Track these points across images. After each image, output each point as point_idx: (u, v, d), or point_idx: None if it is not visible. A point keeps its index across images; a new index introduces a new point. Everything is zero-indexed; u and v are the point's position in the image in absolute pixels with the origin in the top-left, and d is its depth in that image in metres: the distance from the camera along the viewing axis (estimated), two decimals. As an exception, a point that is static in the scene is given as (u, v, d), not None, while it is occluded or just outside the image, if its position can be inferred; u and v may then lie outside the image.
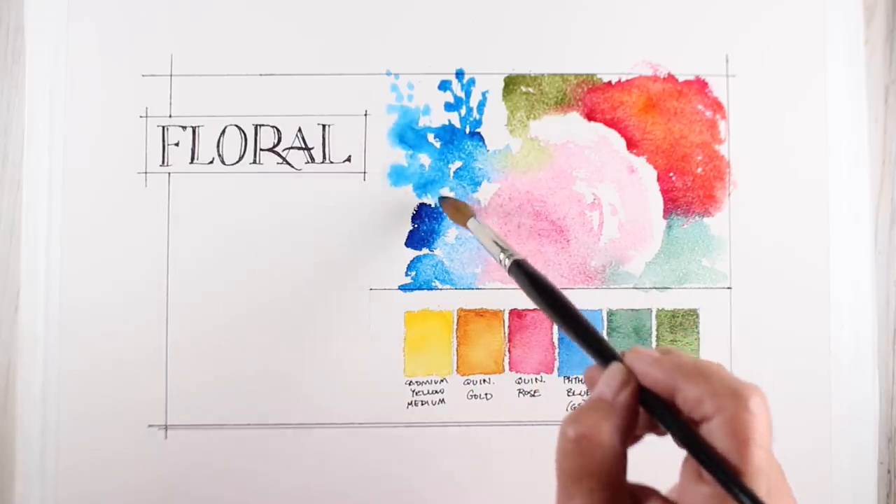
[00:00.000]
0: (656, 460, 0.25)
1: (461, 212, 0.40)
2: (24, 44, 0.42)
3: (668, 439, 0.25)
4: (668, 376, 0.25)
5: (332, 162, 0.42)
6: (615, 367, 0.26)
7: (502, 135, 0.42)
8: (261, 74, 0.42)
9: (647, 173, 0.43)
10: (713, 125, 0.43)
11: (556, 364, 0.42)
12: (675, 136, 0.43)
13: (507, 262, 0.33)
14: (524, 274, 0.32)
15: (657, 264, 0.42)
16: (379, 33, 0.42)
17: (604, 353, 0.27)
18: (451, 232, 0.42)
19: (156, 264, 0.41)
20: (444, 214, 0.42)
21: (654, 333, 0.42)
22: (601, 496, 0.24)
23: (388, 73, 0.42)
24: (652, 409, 0.25)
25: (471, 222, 0.38)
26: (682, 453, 0.25)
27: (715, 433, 0.23)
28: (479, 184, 0.42)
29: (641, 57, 0.43)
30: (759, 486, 0.22)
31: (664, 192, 0.43)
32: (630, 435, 0.25)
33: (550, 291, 0.30)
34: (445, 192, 0.42)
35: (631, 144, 0.43)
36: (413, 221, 0.42)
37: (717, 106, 0.43)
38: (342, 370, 0.41)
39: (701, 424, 0.24)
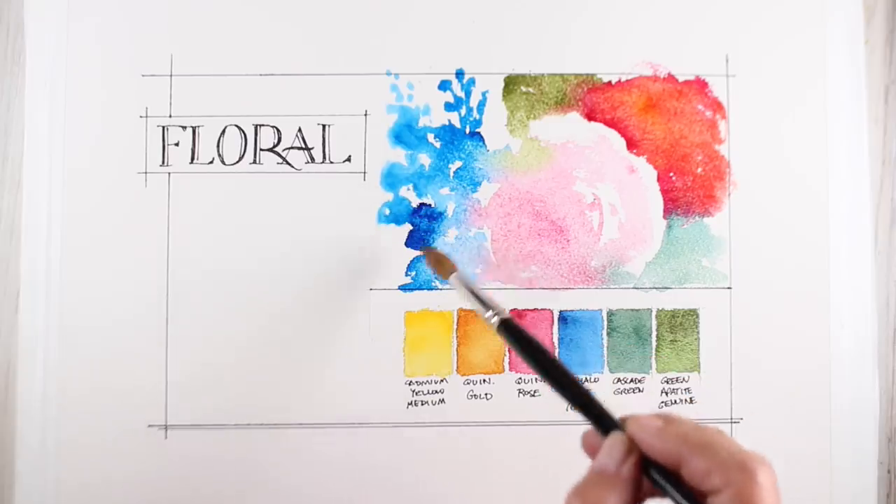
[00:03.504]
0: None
1: (444, 266, 0.39)
2: (24, 44, 0.42)
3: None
4: (672, 447, 0.24)
5: (332, 162, 0.42)
6: (617, 438, 0.25)
7: (502, 135, 0.42)
8: (261, 74, 0.42)
9: (647, 173, 0.43)
10: (713, 125, 0.43)
11: (556, 364, 0.42)
12: (675, 136, 0.43)
13: (495, 322, 0.32)
14: (513, 335, 0.31)
15: (657, 264, 0.42)
16: (379, 33, 0.42)
17: (603, 421, 0.27)
18: (451, 232, 0.42)
19: (156, 264, 0.41)
20: (444, 215, 0.42)
21: (654, 333, 0.42)
22: None
23: (388, 73, 0.42)
24: (656, 481, 0.25)
25: (453, 278, 0.37)
26: None
27: None
28: (479, 184, 0.42)
29: (641, 57, 0.43)
30: None
31: (664, 192, 0.43)
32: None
33: (543, 353, 0.30)
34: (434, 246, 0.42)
35: (631, 144, 0.43)
36: (413, 221, 0.42)
37: (717, 106, 0.43)
38: (342, 370, 0.41)
39: (708, 497, 0.23)
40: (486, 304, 0.34)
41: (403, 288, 0.42)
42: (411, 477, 0.41)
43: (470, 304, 0.35)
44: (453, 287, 0.38)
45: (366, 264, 0.42)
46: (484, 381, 0.42)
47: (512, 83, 0.43)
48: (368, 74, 0.42)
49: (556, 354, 0.42)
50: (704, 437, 0.24)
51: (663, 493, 0.25)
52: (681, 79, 0.43)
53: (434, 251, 0.41)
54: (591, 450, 0.27)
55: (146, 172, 0.42)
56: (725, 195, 0.43)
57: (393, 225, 0.42)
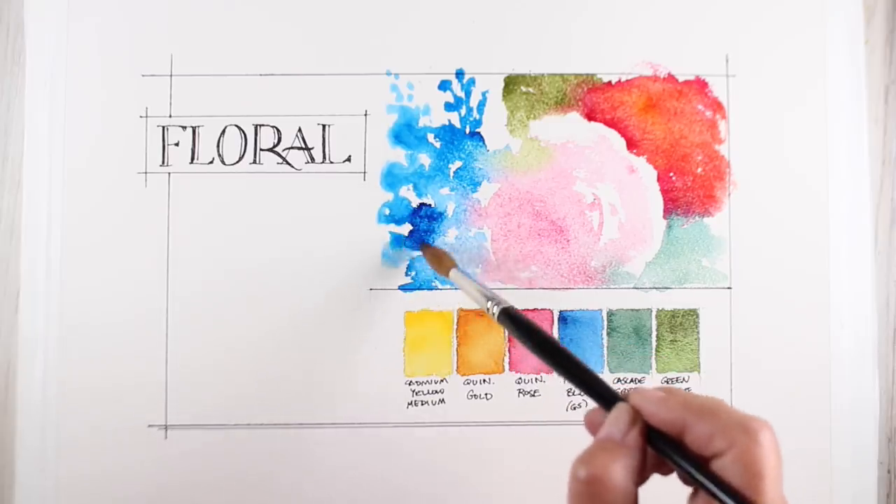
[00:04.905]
0: (657, 498, 0.26)
1: (442, 262, 0.39)
2: (24, 44, 0.42)
3: (672, 478, 0.25)
4: (676, 415, 0.25)
5: (332, 162, 0.42)
6: (622, 407, 0.26)
7: (502, 135, 0.42)
8: (261, 74, 0.42)
9: (647, 173, 0.43)
10: (713, 125, 0.43)
11: (556, 364, 0.42)
12: (675, 136, 0.43)
13: (495, 311, 0.33)
14: (514, 322, 0.31)
15: (657, 264, 0.42)
16: (379, 33, 0.42)
17: (606, 395, 0.27)
18: (451, 232, 0.42)
19: (156, 264, 0.41)
20: (444, 215, 0.42)
21: (654, 333, 0.42)
22: None
23: (388, 73, 0.42)
24: (661, 449, 0.25)
25: (453, 273, 0.38)
26: (683, 490, 0.25)
27: (728, 468, 0.23)
28: (479, 184, 0.42)
29: (641, 57, 0.43)
30: None
31: (664, 192, 0.43)
32: (640, 475, 0.25)
33: (544, 338, 0.30)
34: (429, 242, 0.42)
35: (631, 144, 0.43)
36: (413, 221, 0.42)
37: (717, 106, 0.43)
38: (342, 370, 0.41)
39: (712, 461, 0.24)
40: (486, 296, 0.34)
41: (403, 288, 0.42)
42: (411, 477, 0.41)
43: (470, 297, 0.36)
44: (454, 282, 0.38)
45: (366, 264, 0.42)
46: (484, 381, 0.42)
47: (512, 83, 0.43)
48: (368, 74, 0.42)
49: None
50: (706, 404, 0.25)
51: (669, 462, 0.25)
52: (681, 79, 0.43)
53: (431, 248, 0.41)
54: (594, 427, 0.27)
55: (146, 172, 0.42)
56: (725, 195, 0.43)
57: (393, 225, 0.42)
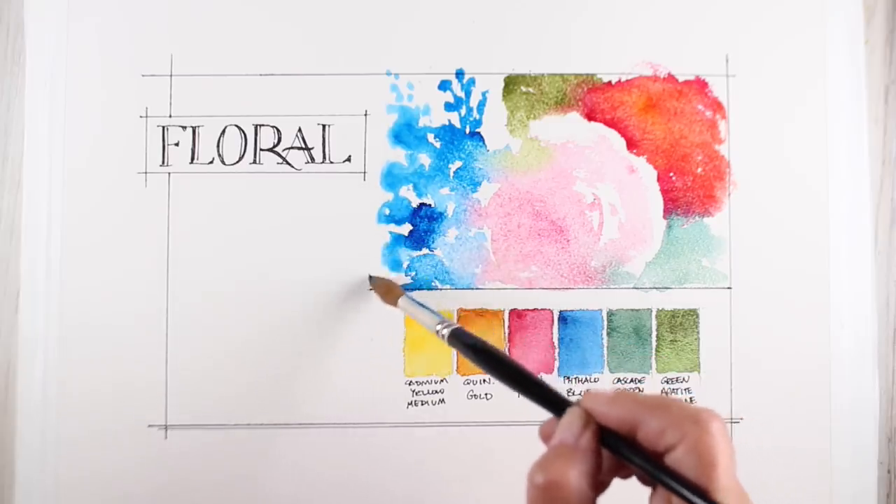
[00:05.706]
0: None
1: (390, 292, 0.40)
2: (24, 44, 0.42)
3: (633, 484, 0.26)
4: (627, 413, 0.25)
5: (332, 162, 0.42)
6: (574, 412, 0.26)
7: (502, 135, 0.42)
8: (261, 74, 0.42)
9: (647, 173, 0.43)
10: (713, 125, 0.43)
11: (556, 364, 0.42)
12: (675, 136, 0.43)
13: (445, 333, 0.33)
14: (462, 342, 0.32)
15: (657, 264, 0.42)
16: (379, 33, 0.42)
17: (557, 403, 0.27)
18: (451, 232, 0.42)
19: (156, 264, 0.41)
20: (444, 215, 0.42)
21: (654, 333, 0.42)
22: None
23: (388, 73, 0.42)
24: (615, 448, 0.25)
25: (401, 301, 0.38)
26: (645, 494, 0.25)
27: (681, 460, 0.23)
28: (479, 184, 0.42)
29: (641, 57, 0.43)
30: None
31: (664, 192, 0.43)
32: (596, 478, 0.25)
33: (492, 354, 0.31)
34: (375, 273, 0.42)
35: (631, 144, 0.43)
36: (413, 221, 0.42)
37: (717, 106, 0.43)
38: (342, 370, 0.41)
39: (665, 455, 0.24)
40: (435, 320, 0.35)
41: (403, 288, 0.42)
42: (411, 477, 0.41)
43: (420, 322, 0.36)
44: (403, 309, 0.38)
45: (366, 264, 0.42)
46: (484, 381, 0.42)
47: (512, 83, 0.43)
48: (368, 74, 0.42)
49: (556, 354, 0.42)
50: (656, 400, 0.25)
51: (623, 460, 0.25)
52: (681, 79, 0.43)
53: (379, 280, 0.41)
54: (548, 439, 0.27)
55: (146, 172, 0.42)
56: (725, 195, 0.43)
57: (393, 225, 0.42)
